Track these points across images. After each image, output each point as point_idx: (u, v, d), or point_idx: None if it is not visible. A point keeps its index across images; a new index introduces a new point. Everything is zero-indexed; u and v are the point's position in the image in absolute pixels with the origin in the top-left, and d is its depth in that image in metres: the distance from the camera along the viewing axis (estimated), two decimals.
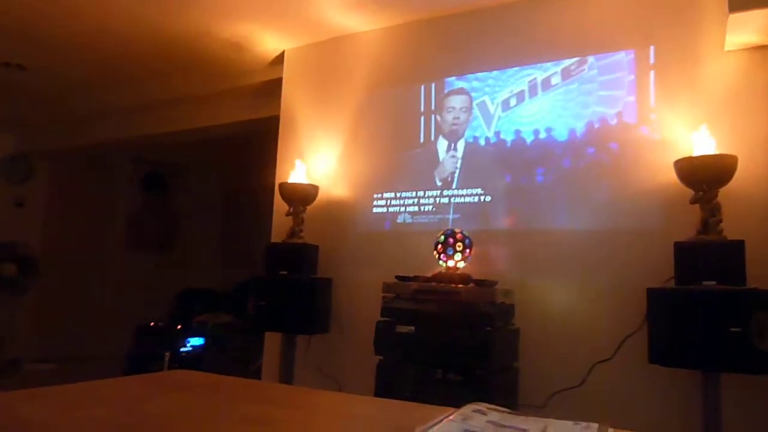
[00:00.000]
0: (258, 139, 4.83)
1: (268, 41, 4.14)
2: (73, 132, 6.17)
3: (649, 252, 2.79)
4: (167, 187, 8.01)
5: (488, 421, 1.26)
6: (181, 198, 8.10)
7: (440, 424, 1.04)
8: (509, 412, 1.30)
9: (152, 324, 5.13)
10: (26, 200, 6.71)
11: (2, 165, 6.55)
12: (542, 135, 3.20)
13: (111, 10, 3.76)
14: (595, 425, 1.07)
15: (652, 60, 2.98)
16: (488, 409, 1.33)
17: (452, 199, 3.40)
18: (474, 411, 1.30)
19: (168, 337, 4.98)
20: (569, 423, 1.11)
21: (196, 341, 5.10)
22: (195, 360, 5.01)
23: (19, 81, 5.13)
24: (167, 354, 4.68)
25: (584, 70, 3.14)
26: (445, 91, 3.56)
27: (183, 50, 4.36)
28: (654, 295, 2.49)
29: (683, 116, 2.85)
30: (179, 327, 5.21)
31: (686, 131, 2.79)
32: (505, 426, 1.21)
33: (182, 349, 4.94)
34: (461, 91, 3.51)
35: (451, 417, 1.16)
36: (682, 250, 2.49)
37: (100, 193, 7.37)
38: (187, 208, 8.11)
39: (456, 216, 3.37)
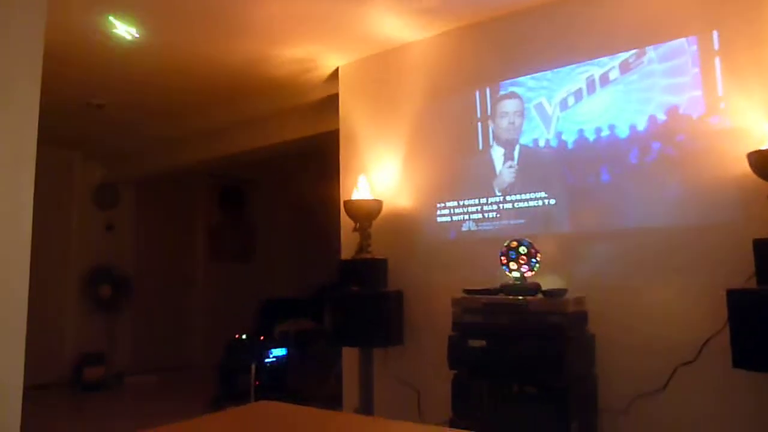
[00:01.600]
0: (323, 152, 4.96)
1: (322, 59, 4.23)
2: (154, 158, 6.57)
3: (726, 248, 2.68)
4: (244, 201, 8.36)
5: None
6: (257, 210, 8.43)
7: None
8: None
9: (237, 337, 5.39)
10: (116, 224, 7.20)
11: (93, 193, 7.05)
12: (604, 132, 3.11)
13: (179, 46, 3.97)
14: None
15: (716, 46, 2.84)
16: None
17: (515, 205, 3.38)
18: None
19: (253, 349, 5.23)
20: None
21: (279, 351, 5.32)
22: (278, 370, 5.24)
23: (102, 116, 5.49)
24: (253, 366, 4.92)
25: (643, 62, 3.03)
26: (500, 93, 3.53)
27: (245, 76, 4.54)
28: (735, 297, 2.39)
29: (755, 102, 2.70)
30: (262, 338, 5.45)
31: (760, 118, 2.65)
32: None
33: (266, 360, 5.17)
34: (513, 95, 3.47)
35: None
36: (762, 247, 2.38)
37: (181, 211, 7.80)
38: (263, 219, 8.43)
39: (520, 221, 3.34)
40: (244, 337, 5.40)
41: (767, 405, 2.51)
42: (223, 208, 8.11)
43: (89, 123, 5.74)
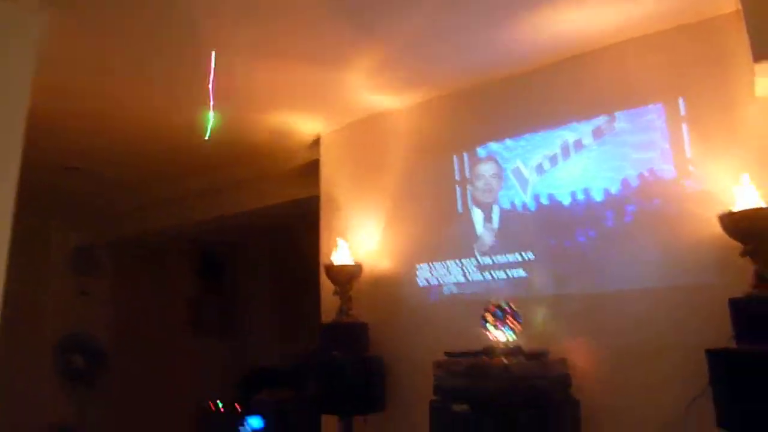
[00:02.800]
0: (305, 217, 4.98)
1: (303, 126, 4.32)
2: (132, 222, 6.52)
3: (705, 308, 2.69)
4: (222, 268, 8.26)
5: None
6: (237, 277, 8.32)
7: None
8: None
9: (212, 405, 5.20)
10: (91, 291, 7.02)
11: (69, 258, 6.92)
12: (580, 196, 3.18)
13: (159, 111, 4.02)
14: None
15: (682, 111, 2.96)
16: None
17: (496, 267, 3.39)
18: None
19: (228, 419, 5.04)
20: None
21: (255, 422, 5.13)
22: None
23: (78, 181, 5.48)
24: None
25: (615, 128, 3.14)
26: (477, 158, 3.62)
27: (226, 142, 4.55)
28: (714, 358, 2.39)
29: (723, 165, 2.79)
30: (238, 407, 5.27)
31: (729, 180, 2.72)
32: None
33: (242, 430, 4.98)
34: (489, 159, 3.57)
35: None
36: (738, 306, 2.40)
37: (160, 278, 7.64)
38: (243, 288, 8.31)
39: (501, 283, 3.35)
40: (220, 405, 5.21)
41: None
42: (203, 276, 8.00)
43: (65, 186, 5.71)
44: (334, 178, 4.28)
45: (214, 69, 3.34)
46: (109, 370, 6.78)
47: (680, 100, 2.98)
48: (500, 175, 3.50)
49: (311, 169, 4.52)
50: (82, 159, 5.00)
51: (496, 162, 3.54)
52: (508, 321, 2.89)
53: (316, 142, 4.48)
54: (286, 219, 5.95)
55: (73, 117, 4.07)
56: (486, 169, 3.57)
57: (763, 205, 2.48)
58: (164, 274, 7.70)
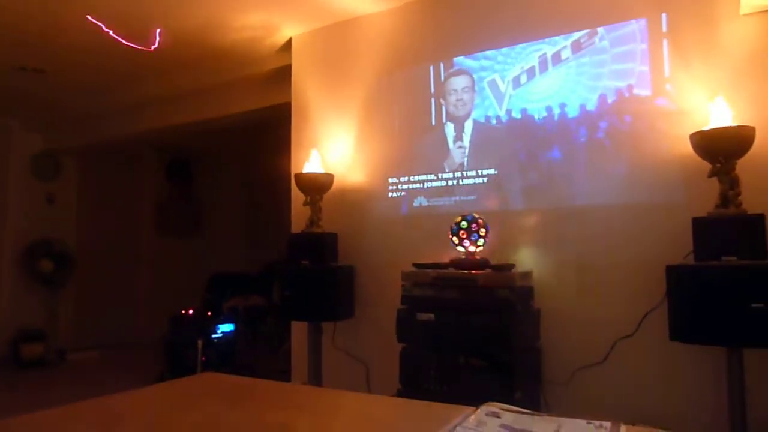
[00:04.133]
0: (275, 125, 4.87)
1: (275, 28, 4.12)
2: (96, 128, 6.29)
3: (668, 226, 2.76)
4: (191, 174, 8.15)
5: (502, 425, 1.29)
6: (205, 183, 8.24)
7: None
8: (524, 412, 1.34)
9: (184, 312, 5.27)
10: (57, 197, 6.90)
11: (31, 163, 6.73)
12: (555, 111, 3.15)
13: (123, 8, 3.79)
14: (608, 423, 1.10)
15: (664, 28, 2.90)
16: (503, 410, 1.37)
17: (466, 181, 3.40)
18: (488, 414, 1.35)
19: (199, 324, 5.13)
20: (582, 422, 1.15)
21: (226, 327, 5.24)
22: (226, 345, 5.16)
23: (41, 83, 5.23)
24: (200, 342, 4.82)
25: (595, 42, 3.07)
26: (453, 69, 3.52)
27: (195, 44, 4.38)
28: (673, 272, 2.47)
29: (700, 85, 2.78)
30: (210, 314, 5.35)
31: (704, 100, 2.72)
32: (517, 429, 1.25)
33: (214, 336, 5.09)
34: (461, 72, 3.48)
35: (467, 420, 1.21)
36: (700, 225, 2.46)
37: (127, 184, 7.55)
38: (212, 193, 8.25)
39: (471, 198, 3.37)
40: (190, 312, 5.29)
41: (702, 376, 2.63)
42: (171, 181, 7.89)
43: (27, 88, 5.45)
44: (305, 85, 4.15)
45: None
46: (78, 274, 6.79)
47: (663, 16, 2.91)
48: (473, 88, 3.43)
49: (283, 75, 4.36)
50: (46, 61, 4.74)
51: (468, 74, 3.45)
52: (476, 234, 2.93)
53: (287, 46, 4.30)
54: (258, 126, 5.81)
55: (35, 16, 3.81)
56: (457, 82, 3.48)
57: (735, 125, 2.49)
58: (131, 178, 7.60)
